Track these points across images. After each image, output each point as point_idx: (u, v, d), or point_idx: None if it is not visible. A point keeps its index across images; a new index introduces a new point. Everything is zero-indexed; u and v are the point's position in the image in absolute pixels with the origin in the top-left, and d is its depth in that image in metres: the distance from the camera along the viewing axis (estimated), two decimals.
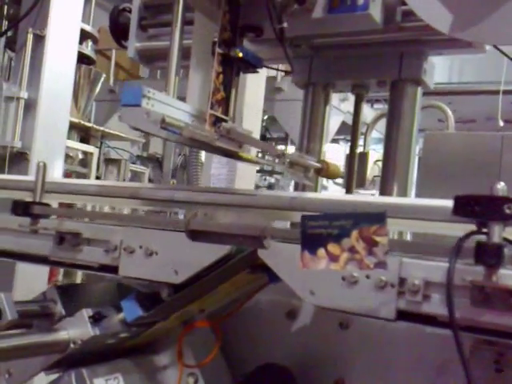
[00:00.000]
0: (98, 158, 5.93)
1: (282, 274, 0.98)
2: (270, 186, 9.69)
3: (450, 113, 4.57)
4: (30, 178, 1.46)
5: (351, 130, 1.56)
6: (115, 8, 1.75)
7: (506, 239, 0.78)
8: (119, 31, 1.71)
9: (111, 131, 5.87)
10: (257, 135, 1.31)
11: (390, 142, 1.45)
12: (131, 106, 1.09)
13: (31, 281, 2.82)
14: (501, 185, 0.80)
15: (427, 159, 3.75)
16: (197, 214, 0.98)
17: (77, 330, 1.13)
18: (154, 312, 1.16)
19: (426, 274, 0.90)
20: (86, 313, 1.14)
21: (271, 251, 1.00)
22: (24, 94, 3.40)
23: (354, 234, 0.84)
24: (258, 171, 8.87)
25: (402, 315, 0.92)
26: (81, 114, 5.61)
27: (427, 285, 0.90)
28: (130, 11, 1.67)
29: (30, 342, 1.07)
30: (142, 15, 1.61)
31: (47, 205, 1.18)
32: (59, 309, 1.37)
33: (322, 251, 0.86)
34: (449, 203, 1.00)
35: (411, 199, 1.00)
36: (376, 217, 0.83)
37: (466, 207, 0.80)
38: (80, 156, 5.47)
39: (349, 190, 1.53)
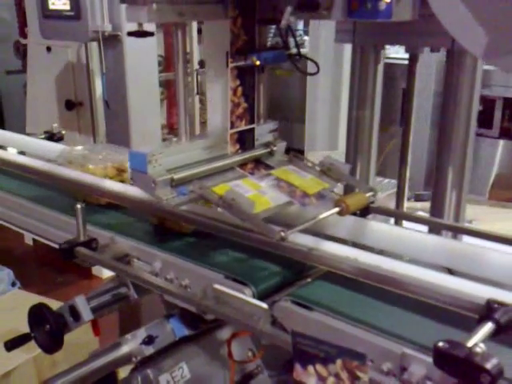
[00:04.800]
0: None
1: None
2: None
3: None
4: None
5: (407, 97, 1.37)
6: None
7: None
8: None
9: None
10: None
11: (446, 121, 1.27)
12: (139, 172, 1.08)
13: None
14: (481, 348, 0.74)
15: None
16: (206, 292, 1.02)
17: (134, 347, 1.30)
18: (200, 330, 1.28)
19: (427, 371, 0.89)
20: (140, 335, 1.29)
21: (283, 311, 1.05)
22: None
23: (339, 362, 0.85)
24: None
25: None
26: None
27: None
28: None
29: (98, 367, 1.27)
30: None
31: (92, 240, 1.27)
32: (132, 293, 1.56)
33: (311, 368, 0.88)
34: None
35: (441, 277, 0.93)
36: (357, 355, 0.82)
37: (445, 363, 0.76)
38: None
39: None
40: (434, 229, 1.31)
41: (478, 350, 0.73)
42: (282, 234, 0.98)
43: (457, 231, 1.26)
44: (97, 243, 1.29)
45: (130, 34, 1.04)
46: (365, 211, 1.29)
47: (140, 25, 1.02)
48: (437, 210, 1.34)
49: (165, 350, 1.40)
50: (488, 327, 0.81)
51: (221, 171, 1.21)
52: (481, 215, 2.88)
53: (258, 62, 1.16)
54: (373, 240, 1.16)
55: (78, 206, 1.24)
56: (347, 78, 1.40)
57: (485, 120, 5.40)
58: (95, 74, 4.45)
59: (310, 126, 4.98)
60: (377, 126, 1.43)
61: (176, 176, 1.11)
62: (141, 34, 1.01)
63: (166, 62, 5.17)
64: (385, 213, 1.31)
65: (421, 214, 1.40)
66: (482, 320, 0.83)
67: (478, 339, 0.77)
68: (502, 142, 5.28)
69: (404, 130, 1.39)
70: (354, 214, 1.26)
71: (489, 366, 0.72)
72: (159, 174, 1.10)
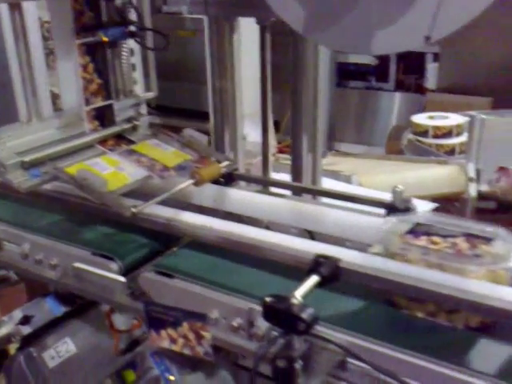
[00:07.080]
0: None
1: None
2: None
3: None
4: None
5: (260, 69, 1.43)
6: None
7: None
8: None
9: None
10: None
11: (296, 96, 1.35)
12: None
13: None
14: (298, 299, 0.83)
15: None
16: (67, 270, 1.06)
17: (11, 328, 1.32)
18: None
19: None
20: (16, 316, 1.31)
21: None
22: None
23: (186, 324, 0.92)
24: None
25: None
26: None
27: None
28: None
29: None
30: None
31: None
32: (12, 275, 1.56)
33: (164, 333, 0.96)
34: None
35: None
36: (199, 316, 0.90)
37: (271, 316, 0.84)
38: None
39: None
40: (296, 192, 1.40)
41: (295, 301, 0.82)
42: (133, 209, 1.02)
43: (313, 193, 1.35)
44: None
45: None
46: (229, 179, 1.36)
47: None
48: (296, 173, 1.44)
49: (47, 326, 1.43)
50: (313, 280, 0.90)
51: (79, 150, 1.22)
52: (365, 168, 3.05)
53: (105, 38, 1.18)
54: (232, 206, 1.24)
55: None
56: None
57: (381, 74, 5.63)
58: None
59: None
60: (240, 94, 1.49)
61: (27, 158, 1.12)
62: None
63: None
64: (247, 179, 1.38)
65: (283, 178, 1.49)
66: (308, 273, 0.92)
67: (302, 292, 0.87)
68: (398, 95, 5.54)
69: (262, 99, 1.46)
70: (218, 182, 1.33)
71: (304, 315, 0.81)
72: (8, 157, 1.10)
